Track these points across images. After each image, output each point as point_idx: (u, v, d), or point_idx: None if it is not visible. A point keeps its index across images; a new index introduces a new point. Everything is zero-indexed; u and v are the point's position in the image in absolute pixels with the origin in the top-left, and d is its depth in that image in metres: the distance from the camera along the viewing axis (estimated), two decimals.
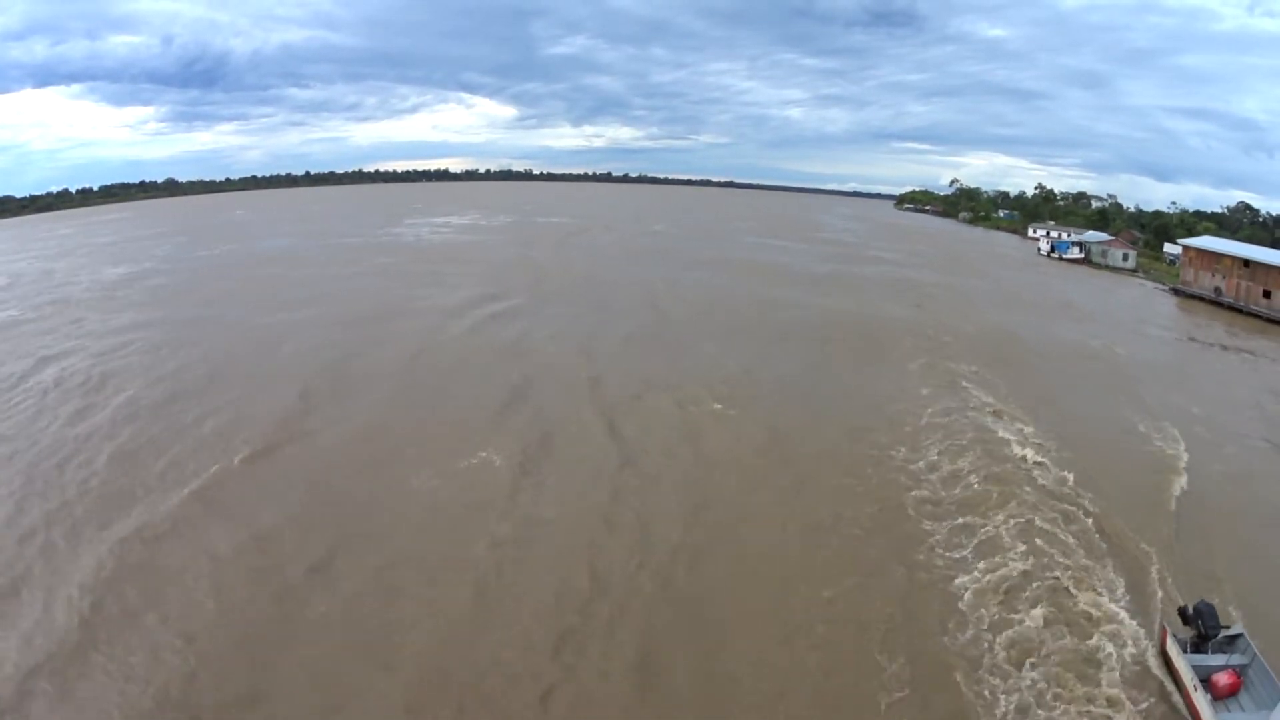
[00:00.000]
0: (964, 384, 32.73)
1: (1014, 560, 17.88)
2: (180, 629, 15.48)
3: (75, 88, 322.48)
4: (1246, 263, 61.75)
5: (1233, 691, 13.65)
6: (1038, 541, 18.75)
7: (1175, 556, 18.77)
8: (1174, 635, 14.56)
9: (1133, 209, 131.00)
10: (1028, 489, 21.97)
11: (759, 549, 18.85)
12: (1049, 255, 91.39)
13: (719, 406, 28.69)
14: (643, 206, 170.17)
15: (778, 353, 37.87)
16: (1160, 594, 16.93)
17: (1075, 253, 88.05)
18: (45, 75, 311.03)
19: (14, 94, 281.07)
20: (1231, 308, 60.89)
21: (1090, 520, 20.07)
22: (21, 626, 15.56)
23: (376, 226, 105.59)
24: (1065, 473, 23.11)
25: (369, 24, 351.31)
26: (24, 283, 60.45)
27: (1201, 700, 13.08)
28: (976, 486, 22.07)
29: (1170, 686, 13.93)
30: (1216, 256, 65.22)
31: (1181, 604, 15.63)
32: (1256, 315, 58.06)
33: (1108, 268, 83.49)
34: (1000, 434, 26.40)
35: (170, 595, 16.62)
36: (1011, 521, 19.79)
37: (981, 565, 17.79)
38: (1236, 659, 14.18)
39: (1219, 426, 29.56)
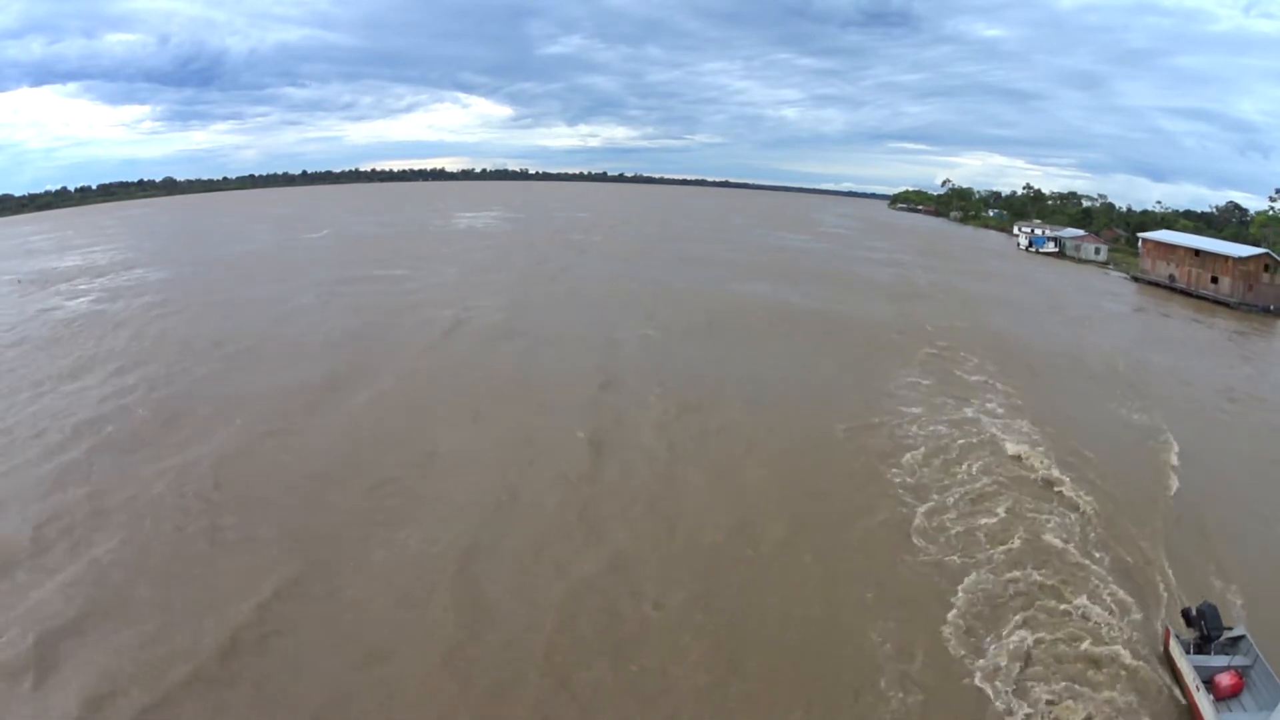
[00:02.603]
0: (938, 348, 39.05)
1: (1012, 555, 18.05)
2: None
3: (71, 86, 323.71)
4: (1197, 252, 68.15)
5: (1235, 692, 13.64)
6: (1032, 533, 19.09)
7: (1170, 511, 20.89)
8: (1176, 636, 14.64)
9: (1125, 209, 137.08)
10: (1007, 451, 24.06)
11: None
12: (1027, 249, 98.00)
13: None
14: (653, 205, 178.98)
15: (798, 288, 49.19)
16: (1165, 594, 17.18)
17: (1050, 247, 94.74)
18: (42, 74, 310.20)
19: (10, 93, 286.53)
20: (1183, 292, 67.27)
21: (1087, 508, 20.58)
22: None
23: (431, 219, 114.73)
24: (1043, 441, 24.99)
25: (365, 23, 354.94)
26: (175, 257, 69.42)
27: (1204, 701, 13.09)
28: (963, 466, 23.15)
29: (1173, 687, 14.00)
30: (1171, 247, 71.66)
31: (1184, 605, 15.72)
32: (1204, 298, 64.39)
33: (1080, 260, 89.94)
34: (973, 402, 29.43)
35: None
36: (1005, 512, 20.17)
37: (978, 559, 17.97)
38: (1239, 660, 14.16)
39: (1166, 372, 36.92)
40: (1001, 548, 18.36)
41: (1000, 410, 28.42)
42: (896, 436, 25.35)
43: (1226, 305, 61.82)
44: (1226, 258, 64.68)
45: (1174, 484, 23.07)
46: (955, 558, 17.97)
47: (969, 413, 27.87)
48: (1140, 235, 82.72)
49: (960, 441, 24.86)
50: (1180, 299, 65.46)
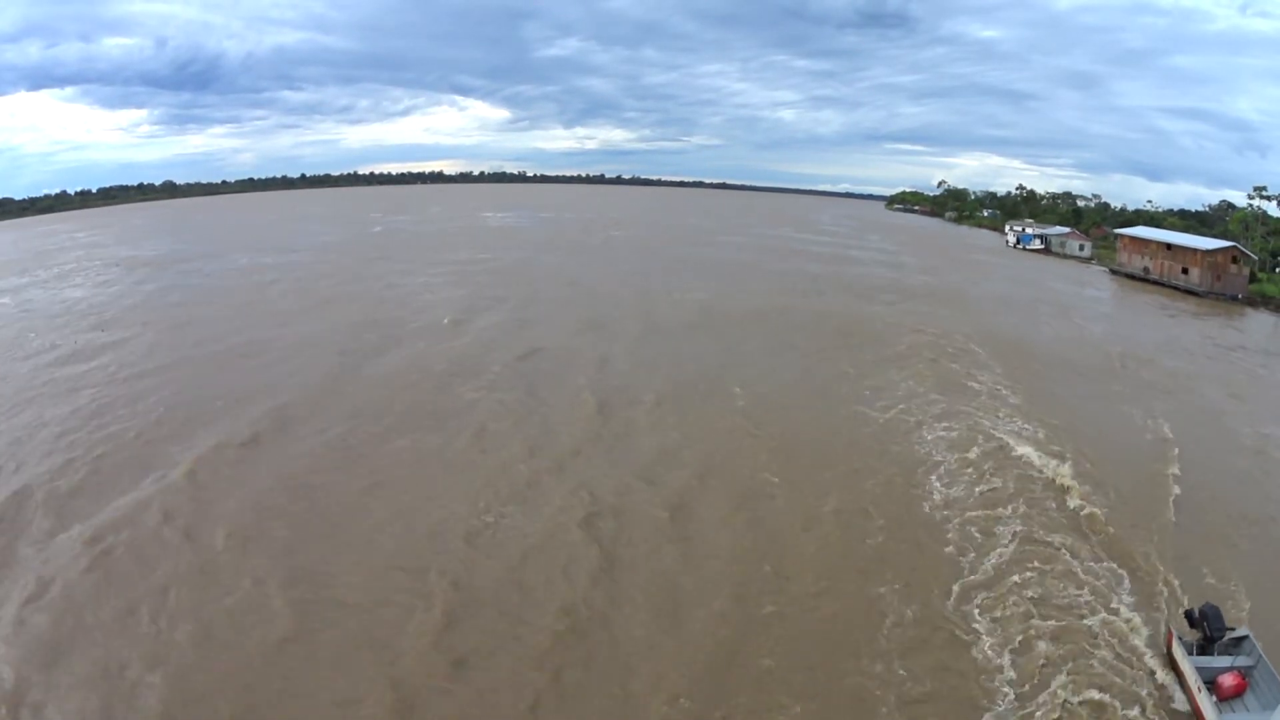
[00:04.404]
0: (922, 318, 43.92)
1: (1011, 554, 18.13)
2: None
3: (69, 90, 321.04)
4: (1169, 246, 72.63)
5: (1238, 693, 13.63)
6: (1031, 529, 19.33)
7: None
8: (1179, 637, 14.64)
9: (1120, 208, 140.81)
10: (995, 421, 26.16)
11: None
12: (1014, 246, 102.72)
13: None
14: (660, 206, 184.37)
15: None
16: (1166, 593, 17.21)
17: (1036, 244, 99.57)
18: (39, 78, 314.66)
19: (8, 96, 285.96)
20: (1156, 282, 71.78)
21: (1084, 503, 20.76)
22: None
23: (468, 218, 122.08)
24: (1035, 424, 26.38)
25: (361, 26, 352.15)
26: (261, 248, 76.49)
27: (1206, 701, 13.14)
28: (935, 435, 25.17)
29: (1175, 688, 14.02)
30: (1145, 242, 76.35)
31: (1187, 607, 15.73)
32: (1176, 288, 68.83)
33: (1065, 256, 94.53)
34: (953, 375, 32.72)
35: None
36: (1006, 499, 20.64)
37: (976, 556, 18.14)
38: (1242, 661, 14.16)
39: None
40: (1002, 546, 18.51)
41: (980, 381, 31.85)
42: (886, 414, 27.85)
43: (1196, 294, 66.32)
44: (1195, 250, 69.17)
45: (1170, 471, 23.56)
46: (952, 551, 18.31)
47: (948, 381, 32.05)
48: (1116, 231, 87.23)
49: (931, 406, 28.63)
50: (1153, 288, 70.06)
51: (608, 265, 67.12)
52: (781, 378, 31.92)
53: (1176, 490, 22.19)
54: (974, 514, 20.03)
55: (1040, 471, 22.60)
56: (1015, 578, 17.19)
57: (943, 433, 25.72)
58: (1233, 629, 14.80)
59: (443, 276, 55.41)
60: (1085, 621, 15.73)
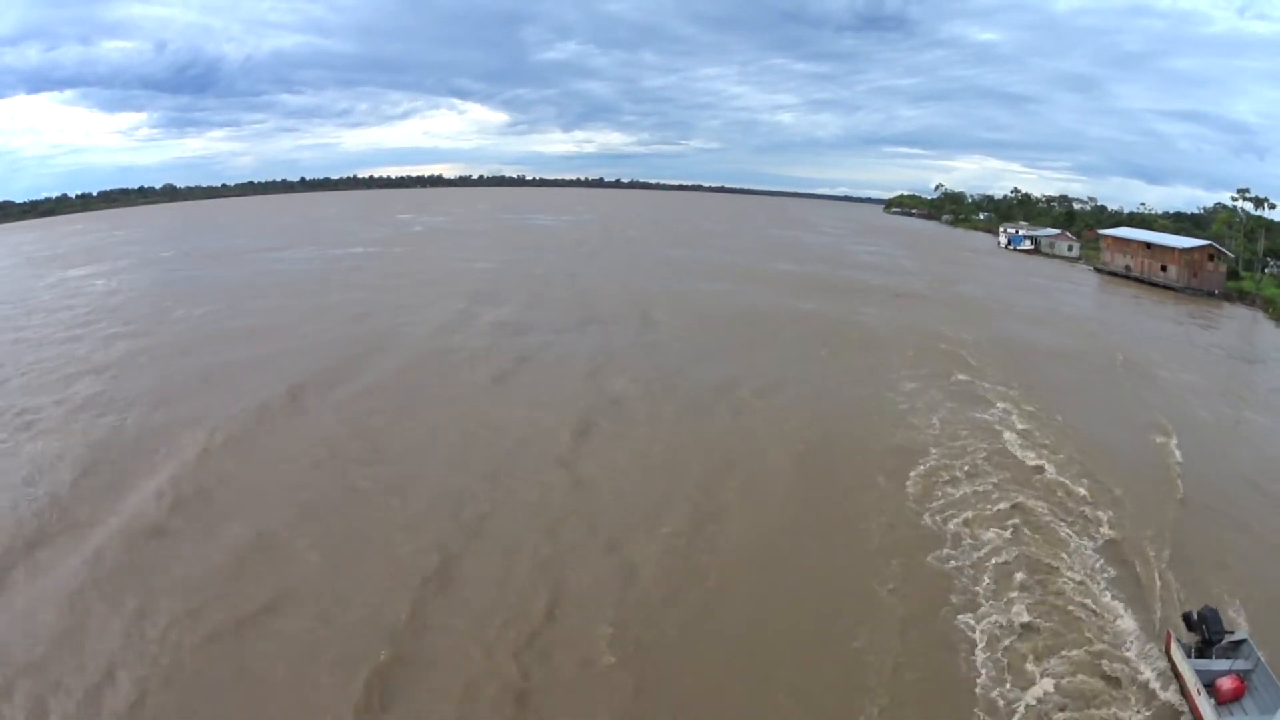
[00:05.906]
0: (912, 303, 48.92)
1: (1009, 553, 18.13)
2: None
3: (68, 93, 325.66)
4: (1148, 245, 77.99)
5: (1236, 696, 13.65)
6: (1029, 527, 19.45)
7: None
8: (1178, 640, 14.67)
9: (1115, 210, 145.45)
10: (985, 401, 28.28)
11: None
12: (1005, 247, 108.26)
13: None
14: (662, 209, 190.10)
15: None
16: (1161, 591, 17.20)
17: (1027, 245, 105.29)
18: (38, 81, 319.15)
19: (7, 99, 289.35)
20: (1137, 279, 77.05)
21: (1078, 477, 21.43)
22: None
23: (489, 219, 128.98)
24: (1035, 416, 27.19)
25: (360, 30, 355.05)
26: (318, 241, 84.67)
27: (1205, 704, 13.16)
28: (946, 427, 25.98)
29: (1174, 691, 14.03)
30: (1126, 241, 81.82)
31: (1186, 609, 15.70)
32: (1155, 284, 74.11)
33: (1054, 256, 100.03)
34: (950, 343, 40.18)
35: None
36: (1001, 500, 20.76)
37: (976, 556, 18.09)
38: (1240, 664, 14.20)
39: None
40: (1000, 543, 18.57)
41: (968, 367, 35.18)
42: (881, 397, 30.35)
43: (1173, 289, 71.51)
44: (1173, 249, 74.44)
45: (1170, 467, 24.04)
46: (950, 551, 18.29)
47: (937, 368, 36.71)
48: (1100, 231, 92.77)
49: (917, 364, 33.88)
50: (1134, 285, 75.32)
51: (634, 265, 72.85)
52: (788, 362, 35.71)
53: (1177, 491, 22.42)
54: (970, 514, 20.06)
55: (1029, 464, 23.12)
56: (1010, 573, 17.40)
57: (931, 421, 26.82)
58: (1231, 632, 14.93)
59: (508, 267, 61.83)
60: (1084, 621, 15.85)
